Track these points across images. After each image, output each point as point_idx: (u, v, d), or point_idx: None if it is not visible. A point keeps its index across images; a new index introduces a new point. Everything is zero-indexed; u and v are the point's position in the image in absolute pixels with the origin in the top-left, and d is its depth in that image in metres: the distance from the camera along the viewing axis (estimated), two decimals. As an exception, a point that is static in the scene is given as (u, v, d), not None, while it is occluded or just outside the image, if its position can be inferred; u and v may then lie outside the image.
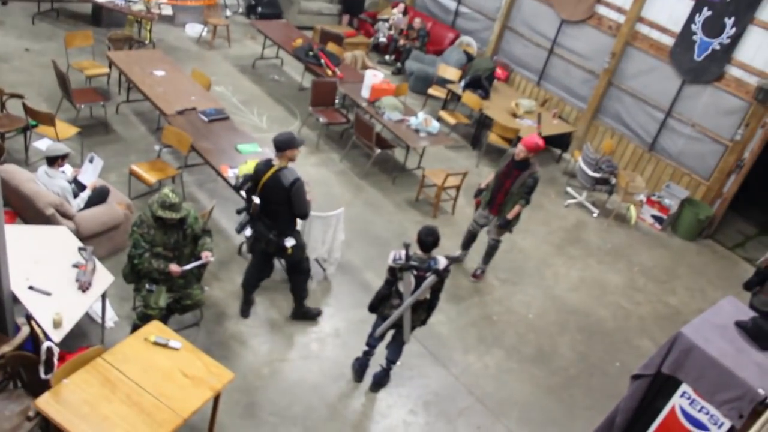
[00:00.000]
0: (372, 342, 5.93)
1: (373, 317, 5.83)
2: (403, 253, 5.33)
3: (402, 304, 5.43)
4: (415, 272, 5.32)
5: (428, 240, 5.31)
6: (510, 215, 7.27)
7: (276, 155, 5.77)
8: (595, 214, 9.95)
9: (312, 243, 6.73)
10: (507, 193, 7.15)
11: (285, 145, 5.69)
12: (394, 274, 5.39)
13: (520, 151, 6.94)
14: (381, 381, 6.06)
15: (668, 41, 10.20)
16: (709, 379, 4.69)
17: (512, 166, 7.06)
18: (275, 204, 5.75)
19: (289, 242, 5.84)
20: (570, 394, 6.64)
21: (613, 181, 9.82)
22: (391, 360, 5.95)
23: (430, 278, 5.31)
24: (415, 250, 5.38)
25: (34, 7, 11.05)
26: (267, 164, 5.75)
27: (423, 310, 5.61)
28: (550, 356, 7.03)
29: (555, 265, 8.56)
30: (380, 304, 5.64)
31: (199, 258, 5.49)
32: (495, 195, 7.25)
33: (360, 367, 6.08)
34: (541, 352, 7.05)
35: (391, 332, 5.82)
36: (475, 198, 7.62)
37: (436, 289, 5.48)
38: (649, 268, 9.10)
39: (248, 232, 6.03)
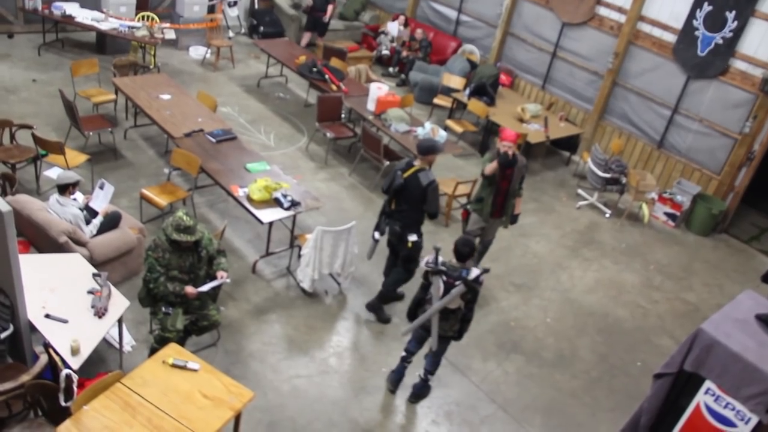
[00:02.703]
0: (410, 348, 5.91)
1: (392, 329, 5.80)
2: (433, 257, 5.38)
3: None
4: (444, 278, 5.34)
5: (464, 250, 5.38)
6: (518, 210, 7.29)
7: (419, 157, 6.32)
8: (607, 215, 9.89)
9: (325, 258, 6.73)
10: (507, 193, 7.08)
11: (428, 150, 6.30)
12: (427, 278, 5.47)
13: (507, 148, 6.81)
14: (421, 392, 6.03)
15: (671, 38, 10.17)
16: (732, 375, 4.62)
17: (503, 168, 6.92)
18: (408, 200, 6.31)
19: (412, 237, 6.38)
20: (593, 396, 6.57)
21: (624, 180, 9.76)
22: (429, 370, 5.93)
23: (459, 287, 5.29)
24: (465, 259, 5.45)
25: (40, 38, 11.17)
26: (408, 164, 6.32)
27: (455, 320, 5.57)
28: (570, 359, 6.97)
29: (570, 268, 8.50)
30: (417, 309, 5.69)
31: (214, 278, 5.49)
32: (495, 201, 7.11)
33: (395, 376, 6.04)
34: (561, 355, 6.99)
35: (428, 342, 5.78)
36: (463, 210, 7.51)
37: (468, 300, 5.44)
38: (665, 265, 9.02)
39: (377, 235, 6.54)
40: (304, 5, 13.16)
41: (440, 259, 5.38)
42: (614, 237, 9.43)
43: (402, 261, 6.65)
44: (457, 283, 5.30)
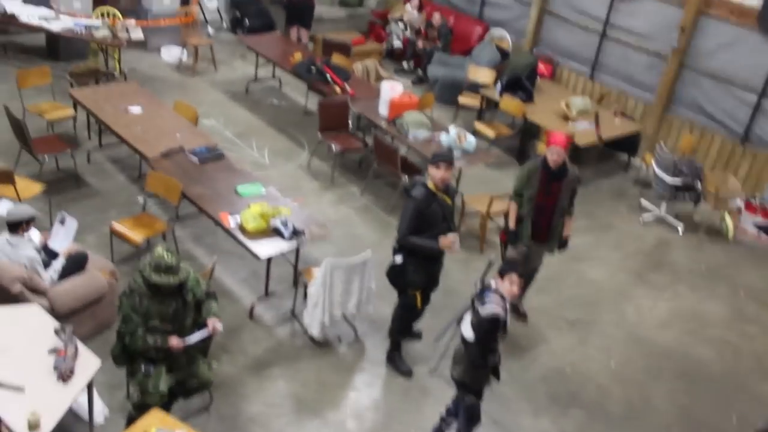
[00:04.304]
0: (451, 408, 5.90)
1: (423, 380, 5.76)
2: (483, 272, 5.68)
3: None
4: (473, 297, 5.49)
5: (503, 267, 5.51)
6: (568, 232, 7.28)
7: None
8: (680, 230, 9.83)
9: (336, 297, 6.71)
10: (553, 213, 7.07)
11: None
12: None
13: (557, 156, 6.81)
14: None
15: (754, 2, 10.03)
16: None
17: (547, 181, 6.94)
18: None
19: (397, 258, 6.42)
20: (675, 457, 6.46)
21: (699, 186, 9.71)
22: (460, 430, 5.85)
23: (464, 305, 5.49)
24: None
25: (-23, 45, 11.35)
26: None
27: (463, 360, 5.51)
28: (643, 413, 6.87)
29: (636, 298, 8.43)
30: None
31: (203, 327, 5.45)
32: (538, 222, 7.11)
33: None
34: (631, 408, 6.89)
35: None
36: (501, 232, 7.54)
37: (478, 329, 5.35)
38: (759, 290, 8.91)
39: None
40: None
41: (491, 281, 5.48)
42: (691, 257, 9.35)
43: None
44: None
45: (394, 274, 6.53)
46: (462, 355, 5.53)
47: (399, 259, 6.41)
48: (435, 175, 6.22)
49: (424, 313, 6.86)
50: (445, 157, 6.28)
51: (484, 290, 5.37)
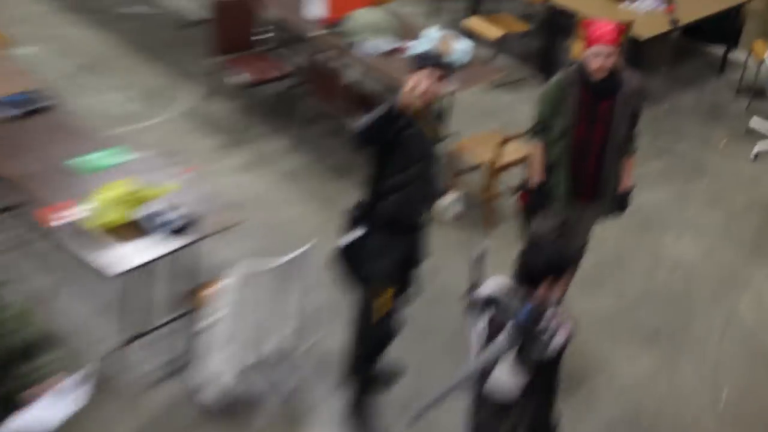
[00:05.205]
0: None
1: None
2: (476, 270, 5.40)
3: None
4: (489, 316, 5.14)
5: (533, 262, 5.07)
6: (627, 182, 7.14)
7: None
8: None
9: (252, 328, 6.35)
10: (603, 153, 6.89)
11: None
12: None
13: (603, 58, 6.55)
14: None
15: None
16: None
17: (591, 102, 6.74)
18: None
19: (356, 231, 6.36)
20: None
21: None
22: None
23: (503, 337, 5.00)
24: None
25: None
26: None
27: (511, 426, 5.30)
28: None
29: (755, 283, 8.43)
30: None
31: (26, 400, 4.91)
32: (579, 170, 6.95)
33: None
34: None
35: None
36: (521, 192, 7.42)
37: (543, 371, 5.11)
38: None
39: None
40: None
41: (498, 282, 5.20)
42: None
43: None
44: (509, 327, 5.08)
45: (351, 256, 6.33)
46: (504, 423, 5.36)
47: (359, 231, 6.21)
48: (413, 88, 5.80)
49: (400, 329, 6.54)
50: (432, 60, 6.02)
51: (515, 305, 5.05)
